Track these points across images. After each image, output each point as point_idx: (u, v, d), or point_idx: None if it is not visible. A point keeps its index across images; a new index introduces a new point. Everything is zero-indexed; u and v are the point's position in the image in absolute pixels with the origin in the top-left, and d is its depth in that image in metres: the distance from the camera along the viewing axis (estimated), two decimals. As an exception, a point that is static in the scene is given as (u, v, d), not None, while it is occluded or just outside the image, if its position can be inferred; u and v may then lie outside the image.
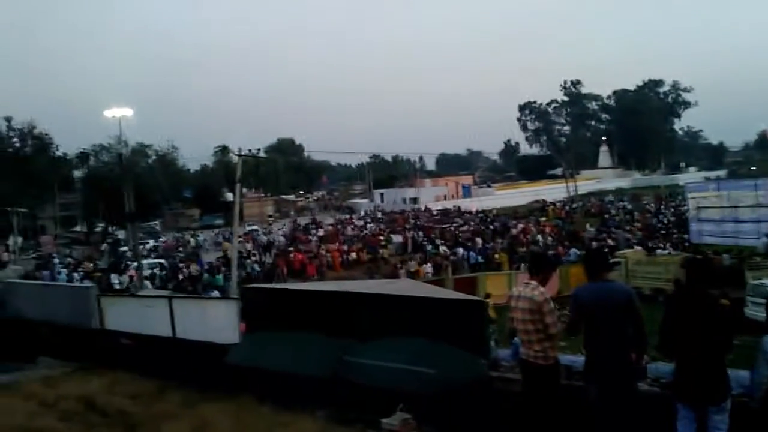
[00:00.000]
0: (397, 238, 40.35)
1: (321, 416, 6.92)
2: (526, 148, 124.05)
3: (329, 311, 7.88)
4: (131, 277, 28.99)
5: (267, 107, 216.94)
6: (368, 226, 51.36)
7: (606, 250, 26.91)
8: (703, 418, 4.85)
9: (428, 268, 29.14)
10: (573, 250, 29.59)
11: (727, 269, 19.82)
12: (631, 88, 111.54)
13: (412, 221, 51.33)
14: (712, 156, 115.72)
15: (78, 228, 68.98)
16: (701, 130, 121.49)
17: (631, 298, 5.20)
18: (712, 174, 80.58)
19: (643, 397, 5.44)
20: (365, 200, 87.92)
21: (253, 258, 36.38)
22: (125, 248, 43.87)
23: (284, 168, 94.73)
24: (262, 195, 78.73)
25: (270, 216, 74.65)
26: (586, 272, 5.37)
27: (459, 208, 61.08)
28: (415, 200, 74.96)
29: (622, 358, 5.11)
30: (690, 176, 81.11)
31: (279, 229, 54.57)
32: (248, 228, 56.42)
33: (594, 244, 30.84)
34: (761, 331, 5.21)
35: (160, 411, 7.63)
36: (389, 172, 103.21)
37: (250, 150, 29.76)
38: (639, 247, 27.81)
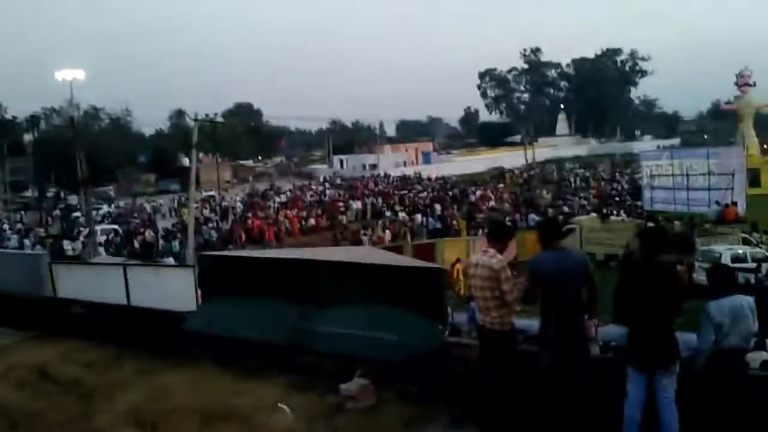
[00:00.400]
0: (357, 205, 40.36)
1: (280, 383, 6.92)
2: (485, 116, 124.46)
3: (287, 278, 7.85)
4: (84, 243, 28.42)
5: (225, 71, 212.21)
6: (327, 192, 51.21)
7: (561, 217, 27.50)
8: (652, 381, 5.02)
9: (388, 234, 29.29)
10: (532, 216, 30.06)
11: (679, 236, 20.36)
12: (590, 56, 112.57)
13: (372, 187, 51.35)
14: (667, 124, 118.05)
15: (29, 193, 67.06)
16: (657, 99, 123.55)
17: (586, 265, 5.32)
18: (667, 143, 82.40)
19: (595, 361, 5.58)
20: (324, 166, 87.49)
21: (210, 225, 35.98)
22: (78, 214, 42.88)
23: (242, 133, 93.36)
24: (220, 160, 77.48)
25: (227, 182, 73.75)
26: (539, 241, 5.44)
27: (419, 174, 61.25)
28: (374, 166, 74.85)
29: (577, 324, 5.24)
30: (645, 144, 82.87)
31: (236, 195, 53.99)
32: (205, 194, 55.67)
33: (550, 211, 31.45)
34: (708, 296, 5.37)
35: (115, 379, 7.53)
36: (349, 137, 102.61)
37: (207, 114, 29.27)
38: (594, 214, 28.36)
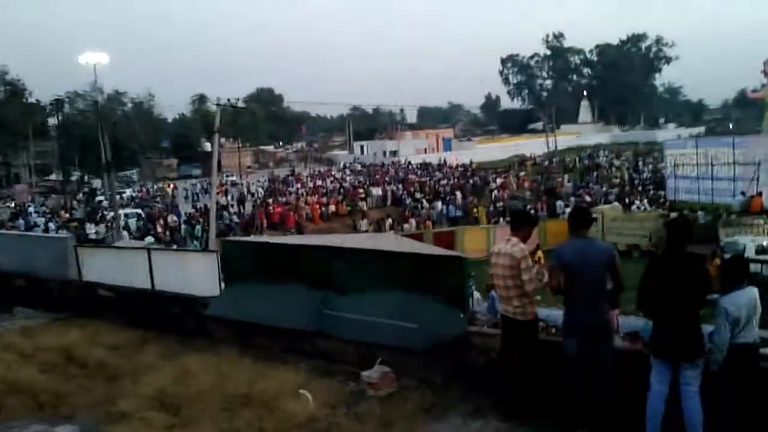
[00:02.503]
0: (377, 191, 40.34)
1: (302, 369, 6.98)
2: (507, 102, 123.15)
3: (310, 265, 7.89)
4: (108, 226, 28.75)
5: (247, 56, 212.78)
6: (347, 178, 51.25)
7: (584, 205, 27.33)
8: (676, 373, 4.98)
9: (413, 223, 29.26)
10: (559, 203, 29.98)
11: (702, 226, 20.13)
12: (614, 42, 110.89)
13: (392, 174, 51.27)
14: (692, 113, 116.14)
15: (53, 177, 67.98)
16: (681, 87, 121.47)
17: (612, 255, 5.29)
18: (692, 131, 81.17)
19: (618, 352, 5.55)
20: (345, 152, 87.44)
21: (232, 210, 36.22)
22: (101, 198, 43.38)
23: (263, 118, 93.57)
24: (241, 145, 77.79)
25: (249, 167, 74.06)
26: (569, 228, 5.42)
27: (440, 161, 61.03)
28: (395, 153, 74.69)
29: (601, 314, 5.21)
30: (669, 132, 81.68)
31: (257, 181, 54.23)
32: (227, 179, 55.95)
33: (572, 200, 31.22)
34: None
35: (140, 362, 7.64)
36: (369, 124, 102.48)
37: (228, 99, 29.30)
38: (616, 203, 28.12)
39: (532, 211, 25.52)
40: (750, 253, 16.08)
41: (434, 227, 27.77)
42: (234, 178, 59.33)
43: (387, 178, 47.37)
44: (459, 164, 57.30)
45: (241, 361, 7.13)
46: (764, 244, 17.57)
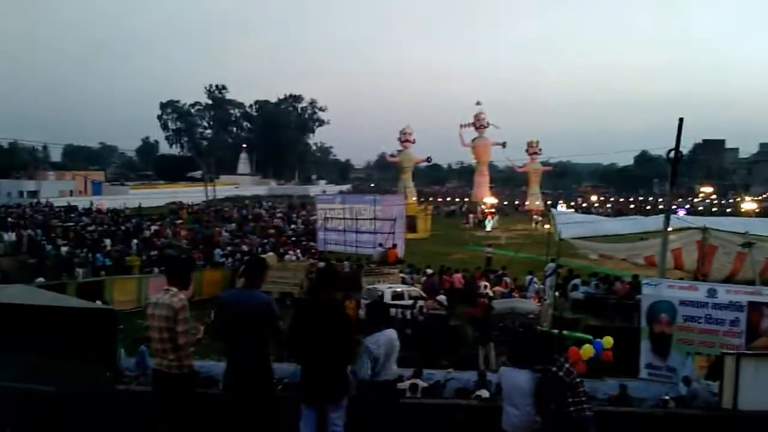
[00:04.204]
0: (10, 236, 35.35)
1: None
2: (165, 148, 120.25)
3: None
4: None
5: None
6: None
7: (239, 255, 27.69)
8: (323, 416, 5.21)
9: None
10: (217, 251, 29.81)
11: (347, 275, 21.87)
12: (273, 100, 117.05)
13: (29, 217, 45.63)
14: (340, 171, 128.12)
15: None
16: (332, 147, 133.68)
17: (270, 304, 5.35)
18: (341, 188, 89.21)
19: (273, 398, 5.59)
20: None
21: None
22: None
23: None
24: None
25: None
26: (245, 279, 5.37)
27: (94, 205, 56.30)
28: (34, 193, 66.88)
29: (262, 363, 5.21)
30: (320, 188, 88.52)
31: None
32: None
33: (229, 249, 31.45)
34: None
35: None
36: (5, 160, 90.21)
37: None
38: (271, 253, 29.06)
39: (189, 260, 24.90)
40: (387, 298, 17.91)
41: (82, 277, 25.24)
42: None
43: (23, 222, 41.89)
44: (110, 209, 53.79)
45: None
46: (398, 290, 19.78)
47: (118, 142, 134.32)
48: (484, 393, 8.59)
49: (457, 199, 74.58)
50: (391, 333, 5.64)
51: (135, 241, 34.68)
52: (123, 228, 40.86)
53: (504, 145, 61.59)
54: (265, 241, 36.41)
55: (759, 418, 6.19)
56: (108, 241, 33.81)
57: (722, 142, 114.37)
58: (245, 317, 5.12)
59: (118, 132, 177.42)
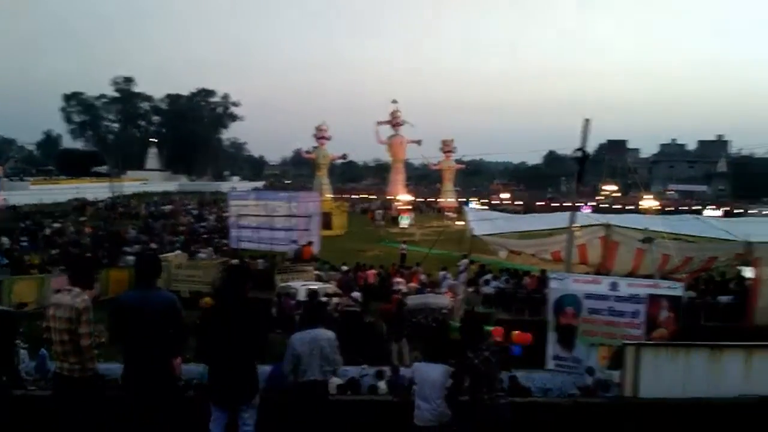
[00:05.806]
0: None
1: None
2: (69, 142, 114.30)
3: None
4: None
5: None
6: None
7: (150, 253, 26.78)
8: (234, 416, 5.13)
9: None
10: (126, 249, 28.73)
11: (261, 273, 21.53)
12: (185, 93, 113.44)
13: None
14: (254, 167, 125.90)
15: None
16: (246, 143, 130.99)
17: (174, 304, 5.19)
18: (255, 184, 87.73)
19: (179, 400, 5.44)
20: None
21: None
22: None
23: None
24: None
25: None
26: (137, 278, 5.16)
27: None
28: None
29: (161, 364, 5.06)
30: (233, 184, 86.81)
31: None
32: None
33: (136, 247, 30.38)
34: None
35: None
36: None
37: None
38: (180, 251, 28.24)
39: (94, 259, 23.88)
40: (302, 296, 17.72)
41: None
42: None
43: None
44: (8, 206, 50.83)
45: None
46: (313, 287, 19.63)
47: (17, 135, 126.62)
48: (382, 386, 8.64)
49: (373, 197, 74.95)
50: (319, 332, 5.55)
51: (33, 238, 32.96)
52: (23, 225, 38.87)
53: (419, 142, 62.28)
54: (176, 238, 35.41)
55: (659, 405, 6.55)
56: (5, 239, 32.05)
57: (624, 142, 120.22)
58: (149, 318, 4.95)
59: (16, 124, 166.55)
